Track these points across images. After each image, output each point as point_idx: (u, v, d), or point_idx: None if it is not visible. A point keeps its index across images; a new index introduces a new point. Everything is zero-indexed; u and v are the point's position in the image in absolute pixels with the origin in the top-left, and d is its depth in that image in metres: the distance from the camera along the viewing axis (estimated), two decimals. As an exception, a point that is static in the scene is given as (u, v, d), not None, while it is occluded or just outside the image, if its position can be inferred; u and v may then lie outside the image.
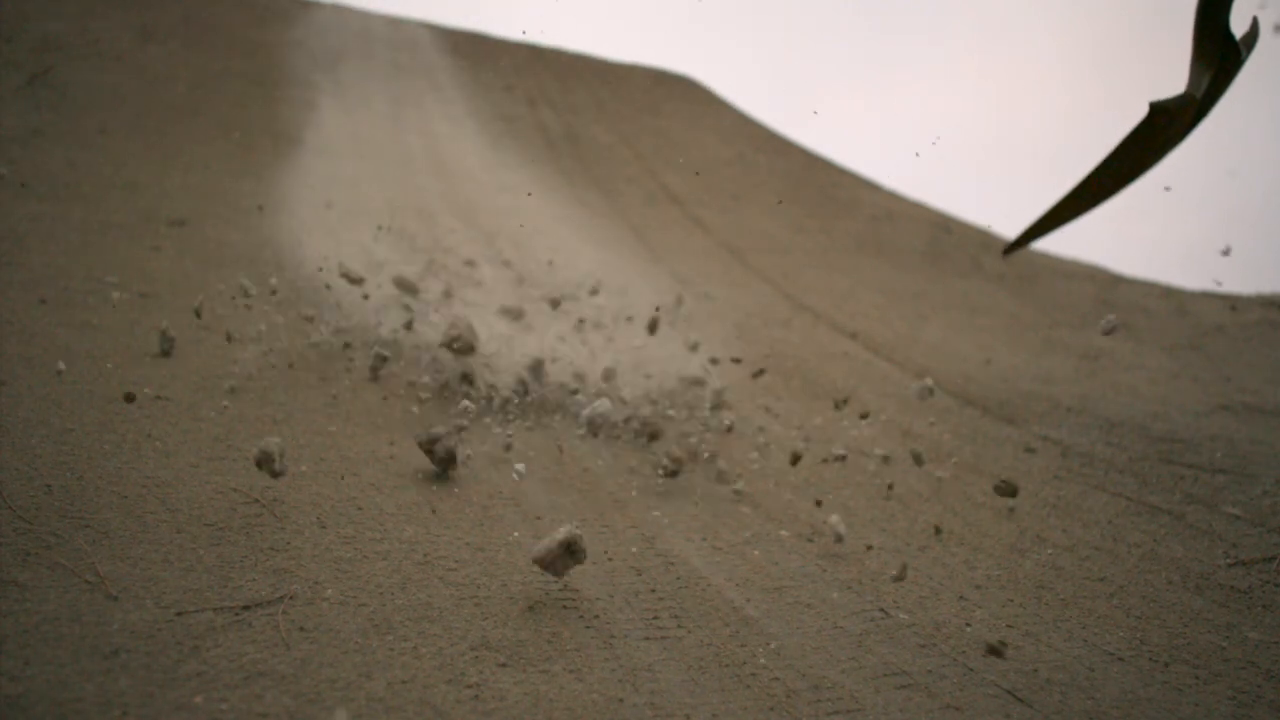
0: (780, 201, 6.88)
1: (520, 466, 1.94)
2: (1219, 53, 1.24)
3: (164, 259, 3.40)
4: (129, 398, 2.09)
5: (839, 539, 1.98)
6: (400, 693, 1.27)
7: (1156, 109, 1.27)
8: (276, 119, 5.97)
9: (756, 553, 1.93)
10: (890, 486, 2.42)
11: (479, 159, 6.46)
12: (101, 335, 2.56)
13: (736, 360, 3.22)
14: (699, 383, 2.98)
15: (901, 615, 1.69)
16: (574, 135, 7.70)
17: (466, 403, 2.26)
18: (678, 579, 1.76)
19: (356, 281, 2.92)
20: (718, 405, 2.81)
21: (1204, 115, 1.29)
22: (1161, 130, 1.28)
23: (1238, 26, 1.25)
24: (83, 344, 2.46)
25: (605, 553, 1.84)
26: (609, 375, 2.79)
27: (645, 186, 6.87)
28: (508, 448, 2.32)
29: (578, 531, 1.57)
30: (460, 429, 2.26)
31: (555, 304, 3.30)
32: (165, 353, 2.52)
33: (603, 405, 2.20)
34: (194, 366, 2.49)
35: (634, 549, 1.88)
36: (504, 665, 1.38)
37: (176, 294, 3.04)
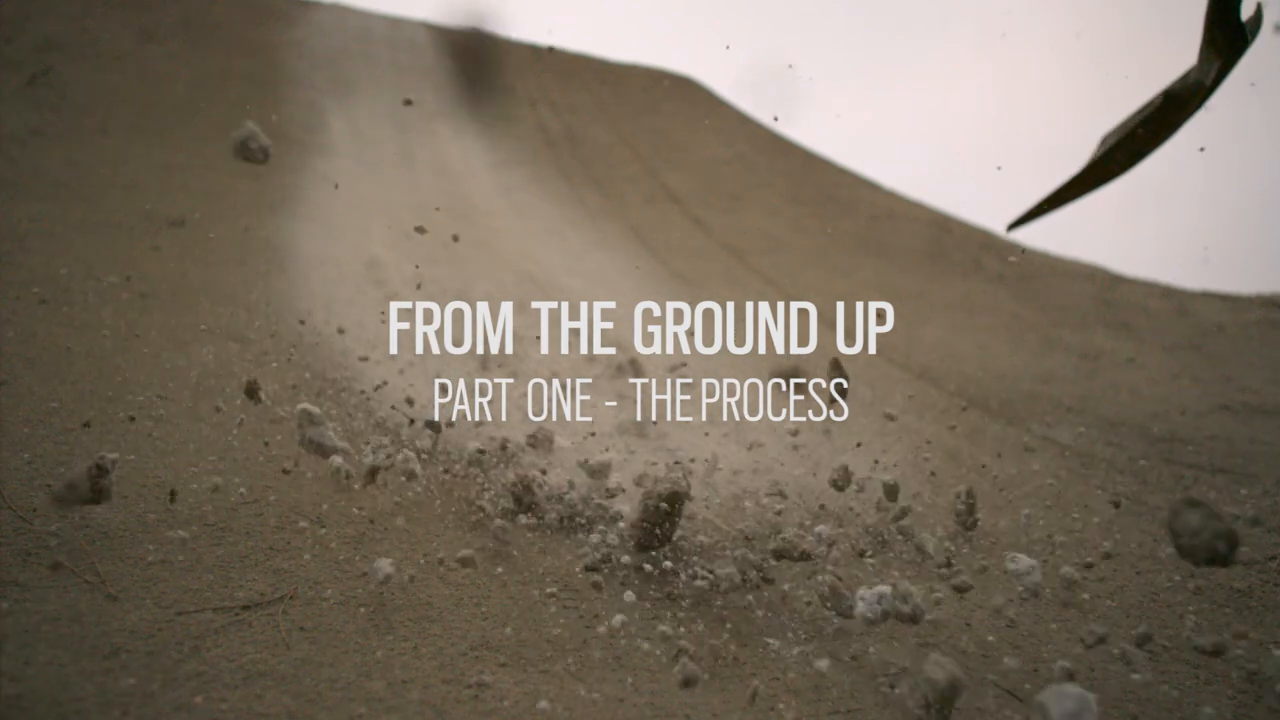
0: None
1: None
2: (1229, 41, 1.26)
3: (164, 259, 3.40)
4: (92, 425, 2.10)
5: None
6: (400, 693, 1.27)
7: (1169, 95, 1.30)
8: (277, 119, 5.97)
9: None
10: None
11: (479, 159, 6.46)
12: (101, 335, 2.56)
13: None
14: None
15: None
16: (574, 135, 7.70)
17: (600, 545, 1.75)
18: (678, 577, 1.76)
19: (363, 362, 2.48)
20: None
21: (1207, 99, 1.32)
22: (1171, 115, 1.32)
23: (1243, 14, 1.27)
24: (83, 344, 2.46)
25: (605, 554, 1.84)
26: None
27: (645, 186, 6.87)
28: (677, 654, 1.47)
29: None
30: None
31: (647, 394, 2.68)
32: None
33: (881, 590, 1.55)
34: (194, 372, 2.49)
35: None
36: (504, 665, 1.38)
37: (176, 294, 3.04)
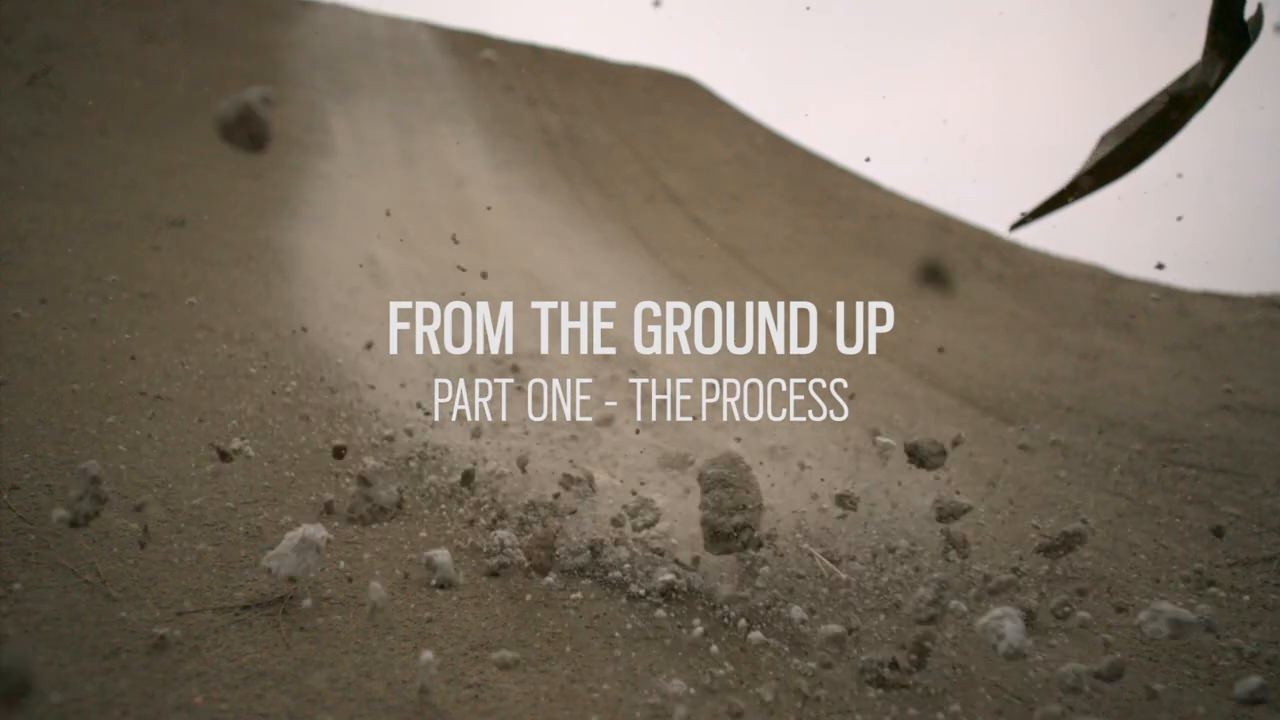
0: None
1: None
2: (1232, 42, 1.27)
3: (164, 259, 3.40)
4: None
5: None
6: (400, 693, 1.27)
7: (1176, 98, 1.31)
8: (276, 119, 5.96)
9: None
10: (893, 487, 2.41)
11: (479, 159, 6.46)
12: (101, 335, 2.56)
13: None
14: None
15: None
16: (574, 135, 7.70)
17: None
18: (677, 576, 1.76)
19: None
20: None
21: (1210, 99, 1.33)
22: (1175, 116, 1.33)
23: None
24: (83, 344, 2.46)
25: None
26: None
27: (645, 186, 6.87)
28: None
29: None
30: None
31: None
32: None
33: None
34: (194, 372, 2.49)
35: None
36: (504, 665, 1.38)
37: (176, 294, 3.04)
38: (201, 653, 1.29)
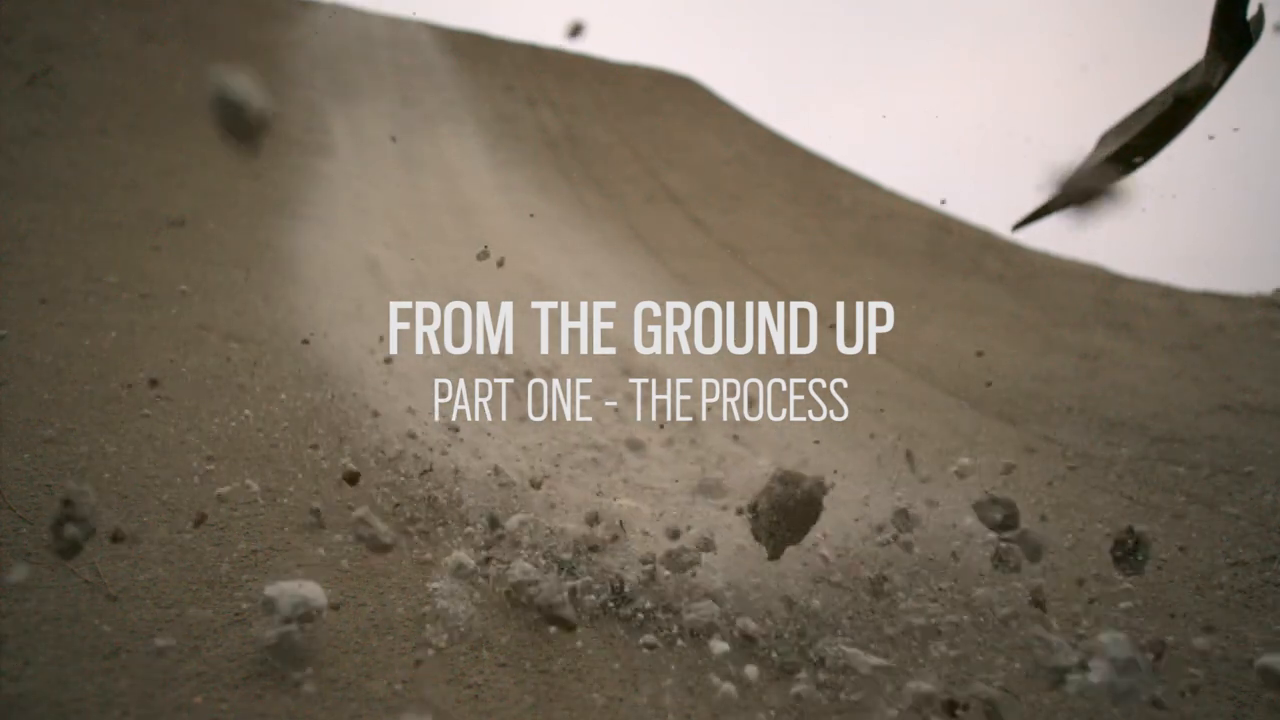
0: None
1: None
2: (1235, 42, 1.27)
3: (164, 259, 3.40)
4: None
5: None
6: (400, 693, 1.27)
7: (1180, 99, 1.31)
8: (276, 119, 5.96)
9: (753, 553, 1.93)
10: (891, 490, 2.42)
11: (479, 159, 6.46)
12: (101, 335, 2.56)
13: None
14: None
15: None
16: (574, 135, 7.70)
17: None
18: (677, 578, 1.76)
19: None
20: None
21: (1211, 100, 1.33)
22: (1178, 117, 1.34)
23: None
24: (83, 344, 2.46)
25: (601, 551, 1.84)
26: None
27: (645, 186, 6.87)
28: None
29: None
30: None
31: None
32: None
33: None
34: (194, 372, 2.48)
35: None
36: (504, 665, 1.38)
37: (176, 294, 3.04)
38: (201, 653, 1.29)
